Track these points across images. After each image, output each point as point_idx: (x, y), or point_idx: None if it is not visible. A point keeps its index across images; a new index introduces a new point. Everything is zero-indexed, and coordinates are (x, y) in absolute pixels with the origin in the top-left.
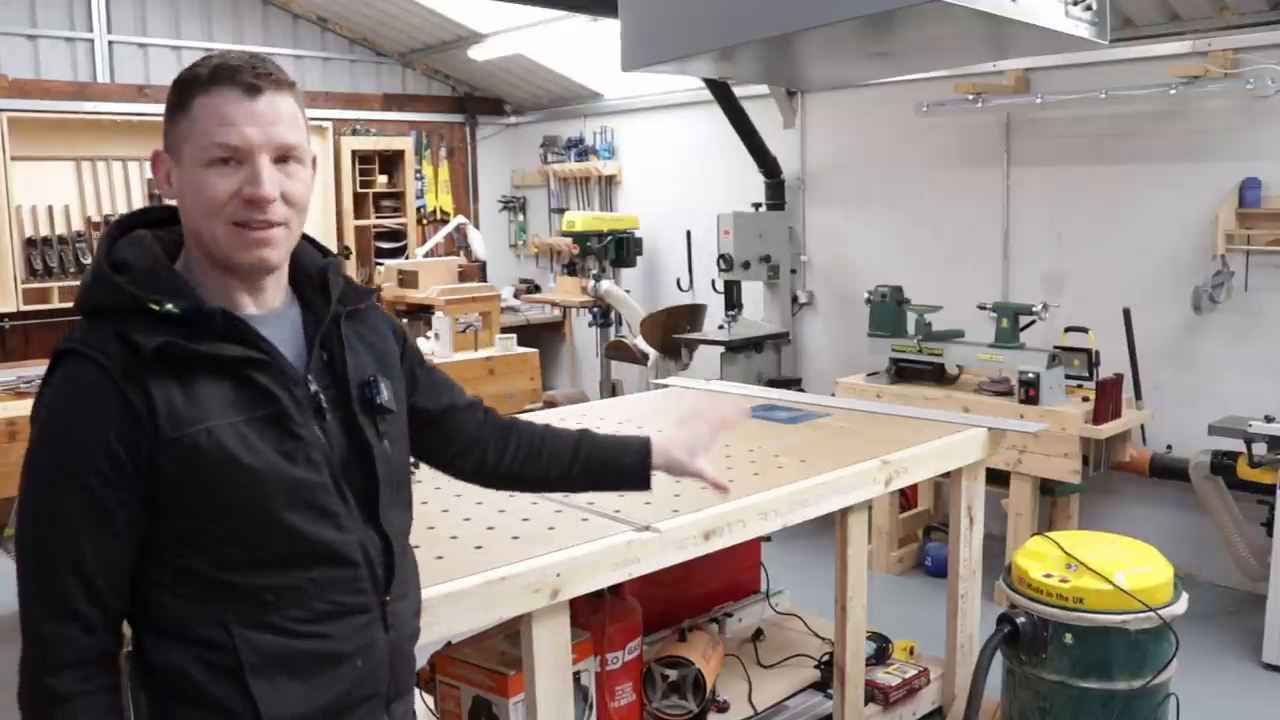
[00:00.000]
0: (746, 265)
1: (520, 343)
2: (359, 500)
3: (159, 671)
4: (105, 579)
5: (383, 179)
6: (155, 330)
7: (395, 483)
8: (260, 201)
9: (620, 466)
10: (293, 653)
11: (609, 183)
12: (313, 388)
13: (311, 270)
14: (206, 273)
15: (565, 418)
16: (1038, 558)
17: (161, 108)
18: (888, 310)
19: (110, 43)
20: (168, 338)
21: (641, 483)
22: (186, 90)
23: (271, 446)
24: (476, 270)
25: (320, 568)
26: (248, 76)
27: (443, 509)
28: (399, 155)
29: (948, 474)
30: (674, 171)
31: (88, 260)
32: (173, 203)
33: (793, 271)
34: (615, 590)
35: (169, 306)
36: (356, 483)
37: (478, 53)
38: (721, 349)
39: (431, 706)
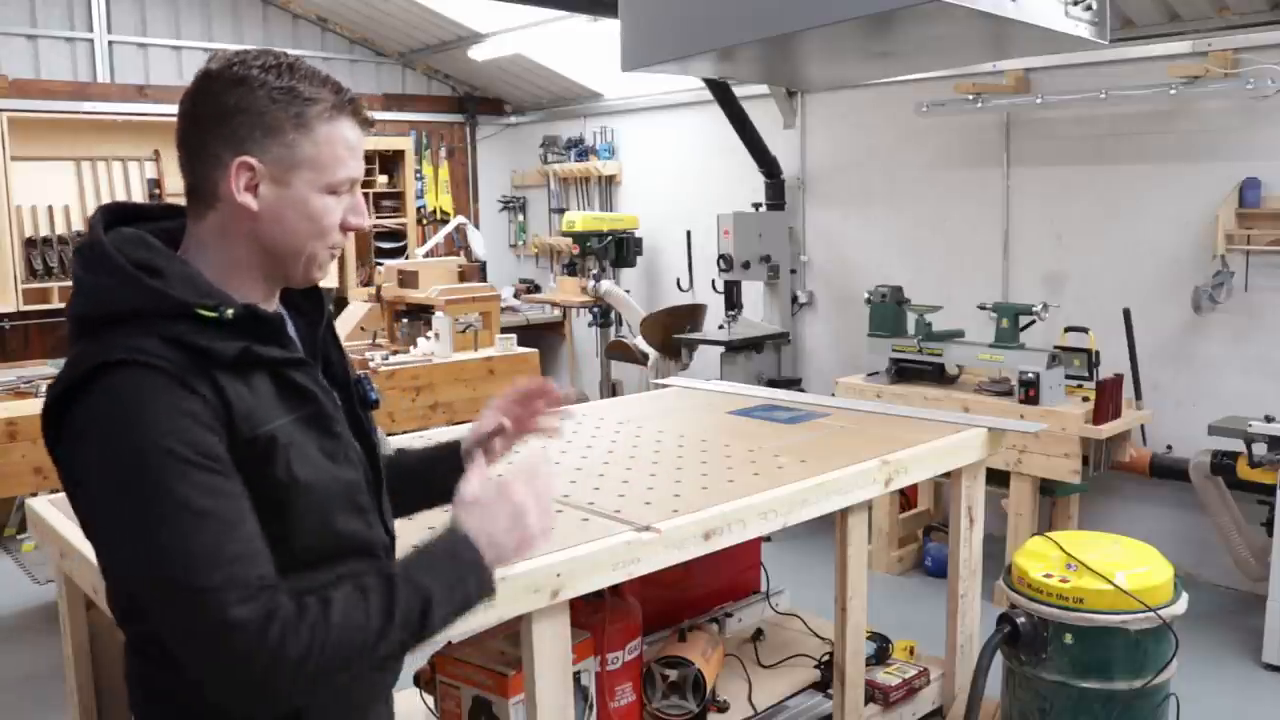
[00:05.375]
0: (746, 265)
1: (520, 343)
2: (375, 497)
3: (186, 686)
4: (263, 549)
5: (383, 179)
6: (202, 335)
7: (385, 480)
8: (359, 231)
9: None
10: None
11: (609, 183)
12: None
13: None
14: (239, 279)
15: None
16: (1038, 558)
17: (162, 108)
18: (888, 310)
19: (110, 43)
20: (238, 342)
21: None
22: (308, 109)
23: (315, 446)
24: (476, 270)
25: (353, 562)
26: (364, 110)
27: (443, 509)
28: (399, 155)
29: (948, 474)
30: (674, 171)
31: None
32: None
33: (793, 271)
34: (615, 590)
35: (229, 312)
36: (370, 481)
37: (478, 53)
38: (721, 349)
39: (431, 706)
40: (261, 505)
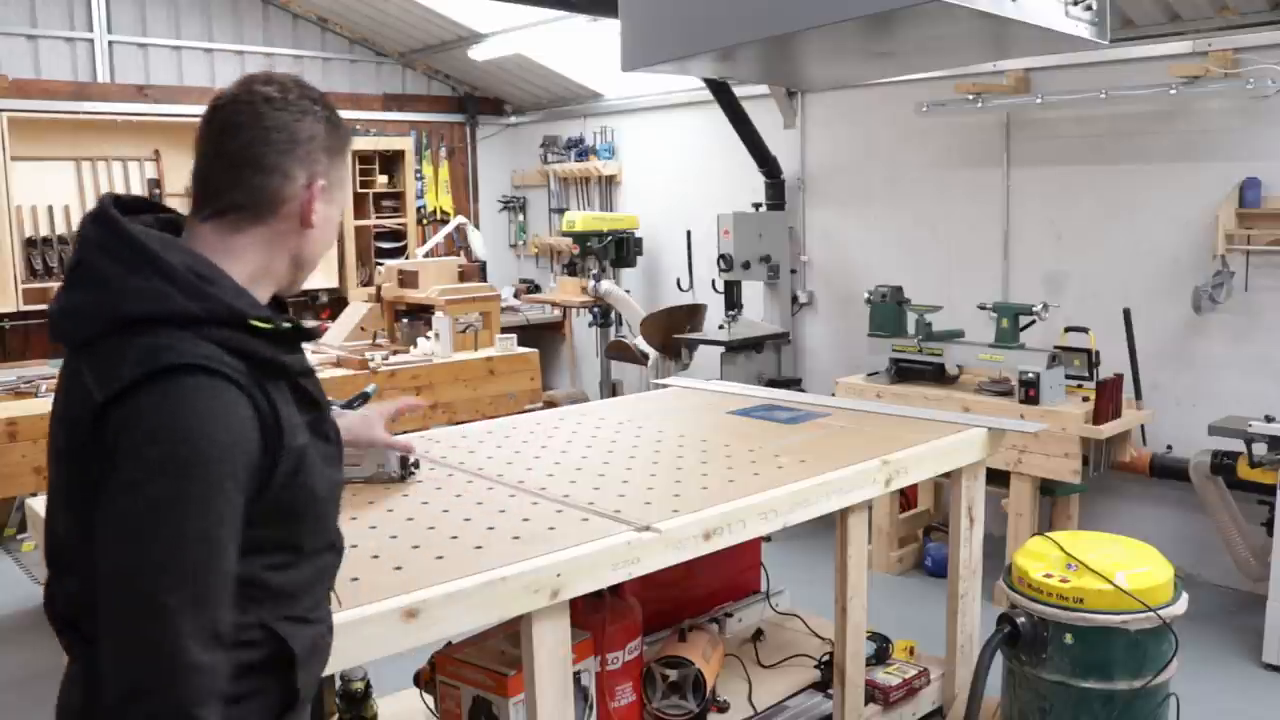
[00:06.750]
0: (746, 265)
1: (520, 343)
2: None
3: None
4: (232, 597)
5: (383, 179)
6: (261, 345)
7: None
8: None
9: None
10: (311, 637)
11: (609, 183)
12: None
13: None
14: (259, 289)
15: (565, 417)
16: (1038, 558)
17: (162, 108)
18: (888, 310)
19: (110, 43)
20: (296, 355)
21: None
22: (345, 139)
23: (320, 453)
24: (476, 270)
25: (327, 557)
26: None
27: (443, 509)
28: (399, 155)
29: (948, 474)
30: (674, 171)
31: None
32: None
33: (793, 271)
34: (615, 590)
35: (285, 325)
36: None
37: (478, 53)
38: (721, 349)
39: (431, 706)
40: (284, 508)
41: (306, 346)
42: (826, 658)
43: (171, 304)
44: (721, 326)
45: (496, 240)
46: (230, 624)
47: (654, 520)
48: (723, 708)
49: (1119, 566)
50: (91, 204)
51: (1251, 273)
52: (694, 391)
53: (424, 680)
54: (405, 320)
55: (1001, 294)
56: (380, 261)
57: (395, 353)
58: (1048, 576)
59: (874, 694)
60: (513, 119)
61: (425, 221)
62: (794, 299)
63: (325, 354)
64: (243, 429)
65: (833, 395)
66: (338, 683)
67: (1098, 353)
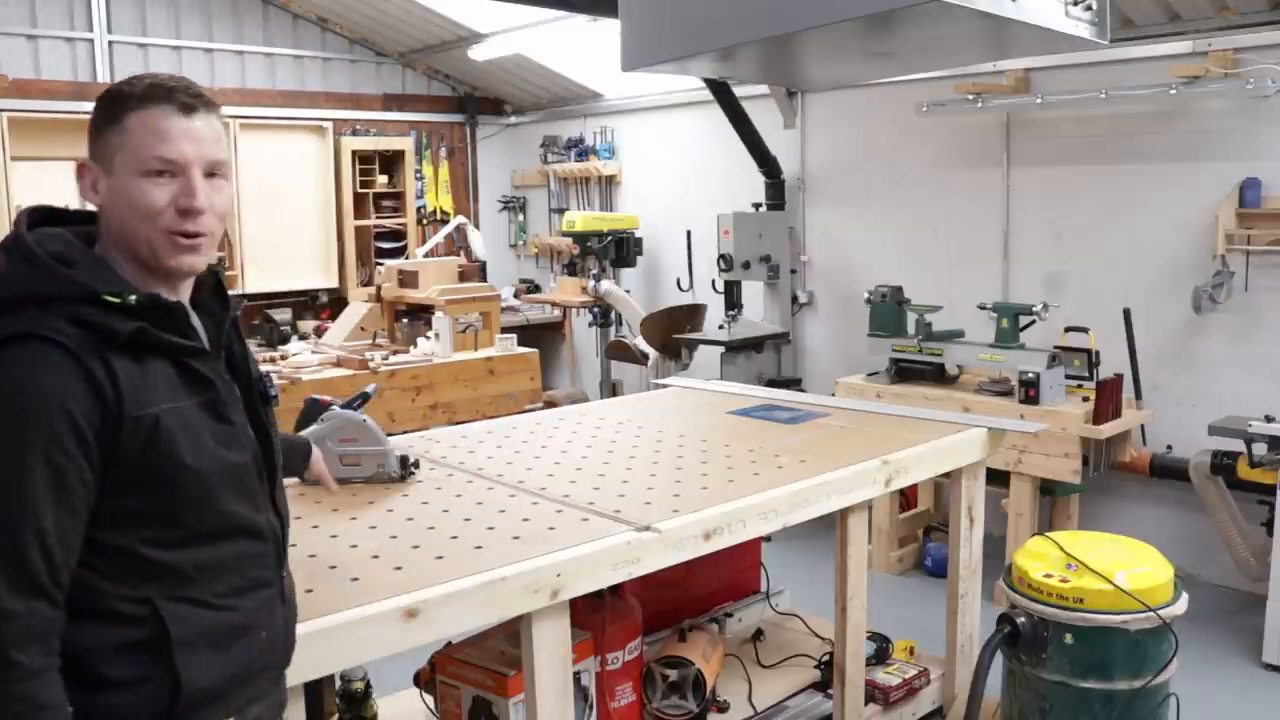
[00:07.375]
0: (746, 265)
1: (520, 343)
2: (265, 484)
3: (69, 657)
4: (63, 554)
5: (383, 179)
6: (104, 317)
7: (280, 469)
8: (193, 212)
9: (293, 466)
10: (212, 625)
11: (609, 183)
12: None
13: (204, 275)
14: (130, 272)
15: (565, 417)
16: (1038, 558)
17: None
18: (888, 310)
19: (110, 43)
20: (135, 323)
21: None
22: (118, 105)
23: (208, 431)
24: (476, 270)
25: (240, 543)
26: (182, 96)
27: (443, 509)
28: (399, 155)
29: (948, 474)
30: (674, 171)
31: None
32: (92, 208)
33: (793, 271)
34: (615, 590)
35: (132, 298)
36: (262, 468)
37: (478, 53)
38: (721, 349)
39: (431, 706)
40: (146, 479)
41: (304, 345)
42: (826, 658)
43: (30, 285)
44: (721, 326)
45: (496, 240)
46: (53, 577)
47: (654, 520)
48: (723, 708)
49: (1119, 566)
50: (91, 204)
51: (1251, 273)
52: (694, 391)
53: (424, 680)
54: (405, 320)
55: (1001, 294)
56: (380, 261)
57: (395, 353)
58: (1048, 576)
59: (874, 694)
60: (513, 119)
61: (425, 221)
62: (794, 299)
63: (325, 354)
64: (66, 392)
65: (833, 395)
66: (338, 683)
67: (1098, 353)
